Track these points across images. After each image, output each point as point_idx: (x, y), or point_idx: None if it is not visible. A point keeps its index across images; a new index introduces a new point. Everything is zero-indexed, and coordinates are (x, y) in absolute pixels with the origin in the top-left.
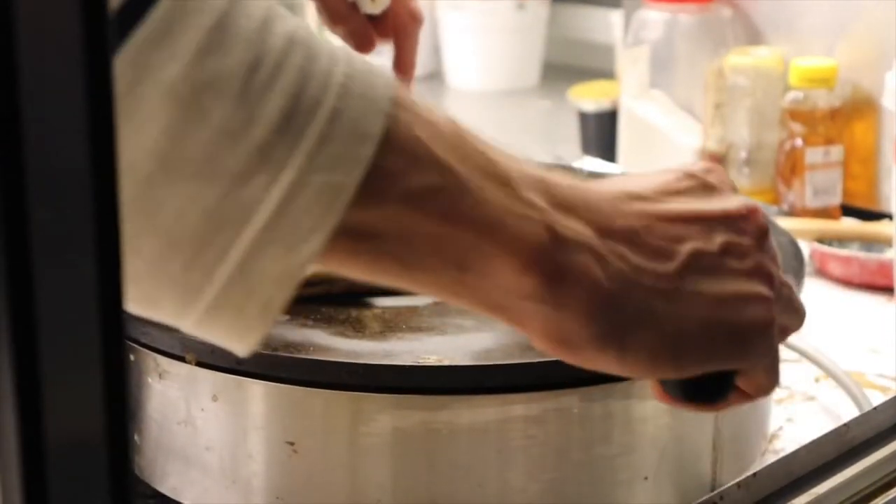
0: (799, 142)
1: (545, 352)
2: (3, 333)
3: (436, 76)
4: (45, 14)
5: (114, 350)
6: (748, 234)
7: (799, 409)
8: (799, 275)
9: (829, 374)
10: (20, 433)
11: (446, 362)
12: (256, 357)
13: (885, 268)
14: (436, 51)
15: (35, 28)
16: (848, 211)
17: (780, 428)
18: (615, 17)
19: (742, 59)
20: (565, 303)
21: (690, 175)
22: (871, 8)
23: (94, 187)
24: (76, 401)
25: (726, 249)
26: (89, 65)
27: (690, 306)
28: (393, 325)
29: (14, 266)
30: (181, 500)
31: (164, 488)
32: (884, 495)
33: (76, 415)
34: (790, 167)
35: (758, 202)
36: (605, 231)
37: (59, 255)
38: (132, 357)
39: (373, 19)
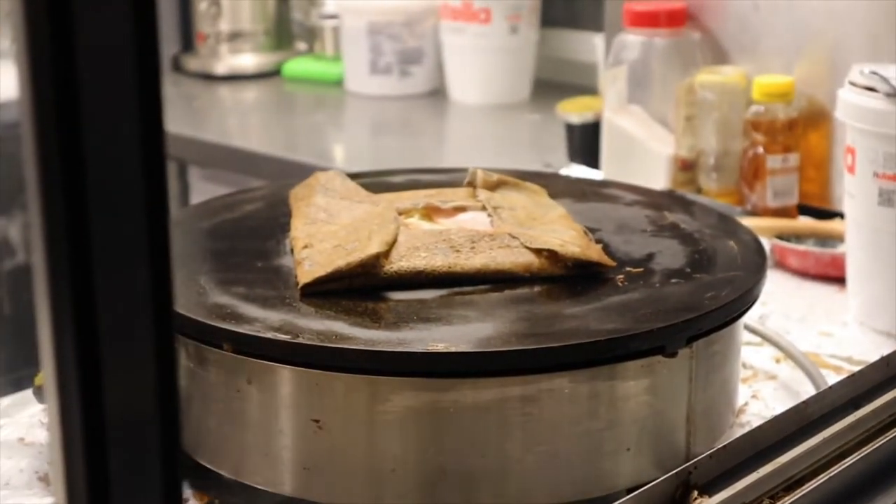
0: (760, 149)
1: None
2: (68, 329)
3: (440, 92)
4: (106, 65)
5: (164, 340)
6: None
7: (762, 387)
8: (761, 268)
9: (789, 355)
10: (83, 410)
11: (452, 349)
12: (285, 345)
13: (837, 261)
14: (439, 69)
15: (95, 78)
16: (804, 210)
17: (746, 403)
18: (598, 39)
19: (710, 77)
20: None
21: None
22: (823, 31)
23: (147, 203)
24: (132, 380)
25: None
26: (142, 106)
27: None
28: (405, 316)
29: (78, 270)
30: (220, 471)
31: (205, 460)
32: (839, 464)
33: (132, 396)
34: (753, 172)
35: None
36: None
37: (117, 262)
38: (177, 346)
39: None
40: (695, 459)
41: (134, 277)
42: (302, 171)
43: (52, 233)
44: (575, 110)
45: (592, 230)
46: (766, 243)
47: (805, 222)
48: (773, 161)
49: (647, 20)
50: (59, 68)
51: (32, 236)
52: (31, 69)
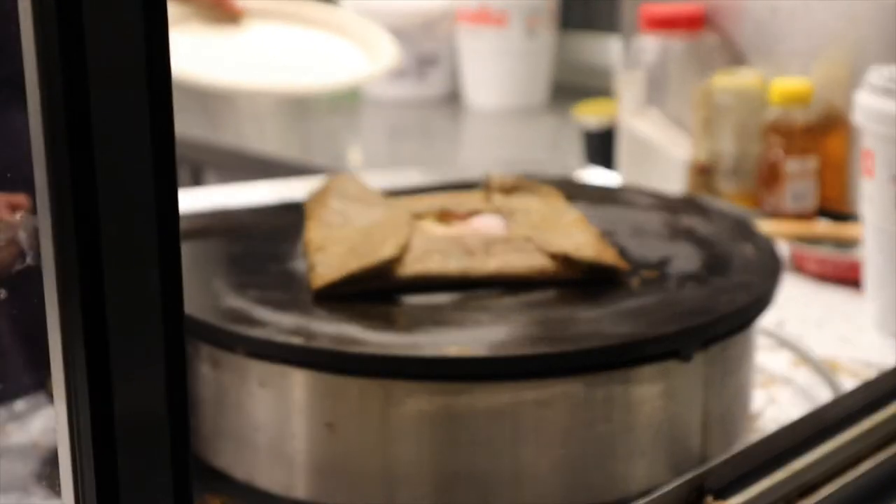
0: (779, 153)
1: None
2: (78, 333)
3: (455, 97)
4: (116, 71)
5: (174, 343)
6: None
7: (779, 392)
8: (776, 272)
9: (806, 360)
10: (93, 415)
11: (466, 353)
12: (299, 348)
13: (855, 265)
14: (455, 74)
15: (106, 82)
16: (823, 214)
17: (763, 408)
18: (615, 43)
19: (727, 80)
20: None
21: None
22: (841, 34)
23: (157, 206)
24: (142, 383)
25: None
26: (153, 110)
27: None
28: (419, 319)
29: (87, 274)
30: (233, 474)
31: (218, 464)
32: (854, 469)
33: (142, 395)
34: (771, 176)
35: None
36: None
37: (127, 265)
38: (190, 350)
39: None
40: (709, 464)
41: (144, 280)
42: (316, 175)
43: (61, 236)
44: (592, 114)
45: (608, 234)
46: (785, 247)
47: (823, 226)
48: (792, 165)
49: (665, 23)
50: (69, 72)
51: (42, 239)
52: (41, 73)
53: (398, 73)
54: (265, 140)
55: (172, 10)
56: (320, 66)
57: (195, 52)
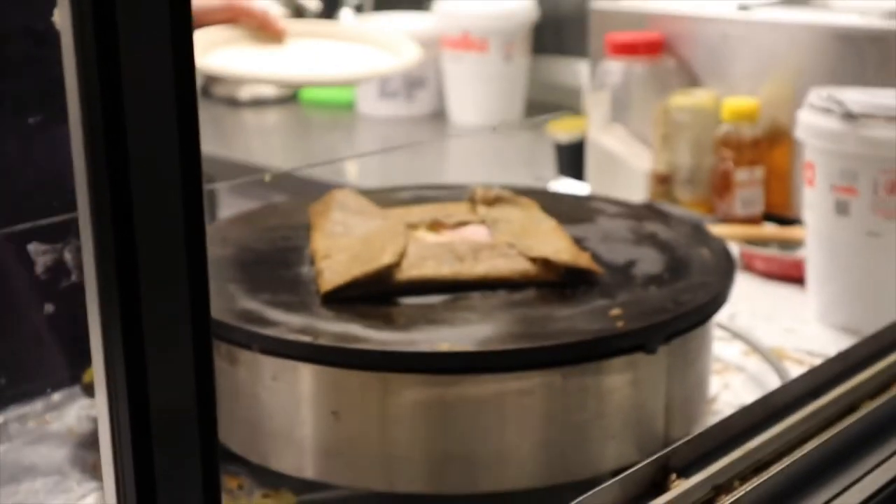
0: (729, 164)
1: None
2: (116, 337)
3: (440, 114)
4: (148, 87)
5: (202, 343)
6: None
7: (732, 379)
8: (731, 273)
9: (756, 349)
10: (131, 409)
11: (456, 349)
12: (307, 346)
13: (798, 264)
14: (440, 94)
15: (140, 112)
16: (769, 218)
17: (718, 394)
18: (583, 66)
19: (683, 99)
20: None
21: None
22: (785, 59)
23: (186, 222)
24: (174, 381)
25: None
26: (181, 137)
27: None
28: (414, 318)
29: (125, 285)
30: (249, 457)
31: (235, 448)
32: (801, 448)
33: (174, 391)
34: (723, 184)
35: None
36: None
37: (160, 277)
38: None
39: None
40: (672, 445)
41: (175, 290)
42: (319, 188)
43: (101, 251)
44: (563, 129)
45: (580, 240)
46: (735, 248)
47: (770, 229)
48: (741, 174)
49: (628, 49)
50: (107, 106)
51: (84, 256)
52: (82, 107)
53: (389, 94)
54: (270, 154)
55: (223, 33)
56: (350, 63)
57: (240, 56)
